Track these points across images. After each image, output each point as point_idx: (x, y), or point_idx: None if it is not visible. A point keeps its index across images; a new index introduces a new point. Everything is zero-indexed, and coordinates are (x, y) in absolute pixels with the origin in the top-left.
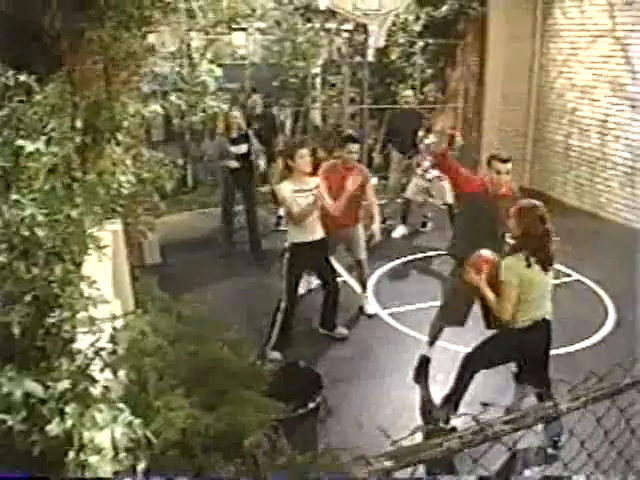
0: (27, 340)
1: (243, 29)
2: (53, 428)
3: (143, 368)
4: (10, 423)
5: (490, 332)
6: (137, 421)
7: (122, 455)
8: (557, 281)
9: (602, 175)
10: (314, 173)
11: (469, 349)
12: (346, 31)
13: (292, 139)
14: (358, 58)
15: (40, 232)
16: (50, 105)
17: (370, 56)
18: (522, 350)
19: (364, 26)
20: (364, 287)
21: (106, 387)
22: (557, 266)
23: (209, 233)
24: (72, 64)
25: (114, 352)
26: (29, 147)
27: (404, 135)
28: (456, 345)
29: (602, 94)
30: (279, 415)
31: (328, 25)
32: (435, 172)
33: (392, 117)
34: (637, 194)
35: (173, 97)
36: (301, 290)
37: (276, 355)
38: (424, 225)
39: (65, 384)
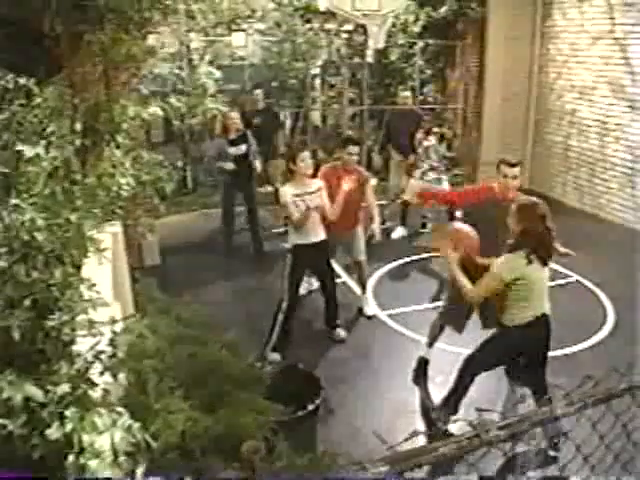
0: (27, 343)
1: (243, 30)
2: (53, 432)
3: (143, 370)
4: (10, 428)
5: (487, 332)
6: (136, 425)
7: (122, 459)
8: (556, 282)
9: (602, 176)
10: (314, 174)
11: (468, 350)
12: (346, 32)
13: (292, 141)
14: (357, 59)
15: (40, 236)
16: (50, 108)
17: (369, 57)
18: (523, 348)
19: (363, 27)
20: (364, 288)
21: (106, 390)
22: (557, 267)
23: (209, 234)
24: (72, 67)
25: (114, 355)
26: (29, 152)
27: (403, 136)
28: (455, 347)
29: (601, 95)
30: (278, 417)
31: (328, 26)
32: (433, 174)
33: (391, 118)
34: (637, 195)
35: (173, 99)
36: (301, 291)
37: (275, 357)
38: (423, 226)
39: (65, 388)
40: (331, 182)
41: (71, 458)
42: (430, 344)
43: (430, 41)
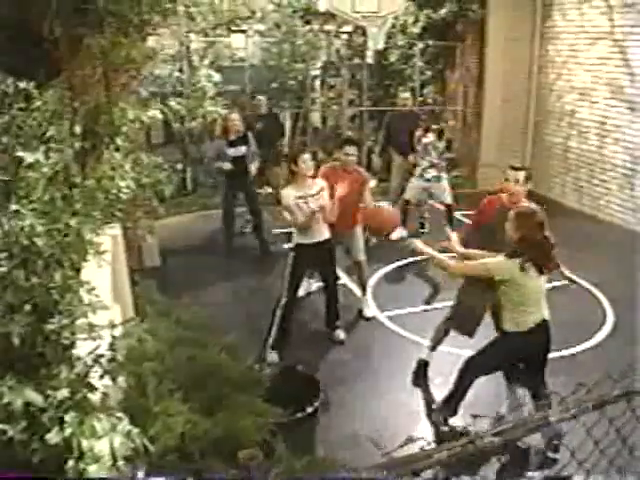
0: (27, 347)
1: (242, 31)
2: (53, 437)
3: (142, 373)
4: (11, 433)
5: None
6: (135, 430)
7: (121, 463)
8: (555, 283)
9: (601, 177)
10: (314, 175)
11: (467, 352)
12: (345, 33)
13: (293, 142)
14: (357, 60)
15: (39, 241)
16: (49, 111)
17: (369, 58)
18: (524, 353)
19: (363, 28)
20: (364, 289)
21: (105, 394)
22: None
23: (209, 235)
24: (71, 70)
25: (113, 359)
26: (29, 158)
27: (404, 137)
28: (455, 348)
29: (601, 96)
30: (277, 420)
31: (327, 27)
32: (433, 172)
33: (391, 119)
34: (636, 196)
35: (172, 102)
36: (300, 292)
37: (273, 357)
38: (422, 226)
39: (64, 392)
40: (330, 183)
41: (71, 463)
42: (433, 348)
43: (430, 42)
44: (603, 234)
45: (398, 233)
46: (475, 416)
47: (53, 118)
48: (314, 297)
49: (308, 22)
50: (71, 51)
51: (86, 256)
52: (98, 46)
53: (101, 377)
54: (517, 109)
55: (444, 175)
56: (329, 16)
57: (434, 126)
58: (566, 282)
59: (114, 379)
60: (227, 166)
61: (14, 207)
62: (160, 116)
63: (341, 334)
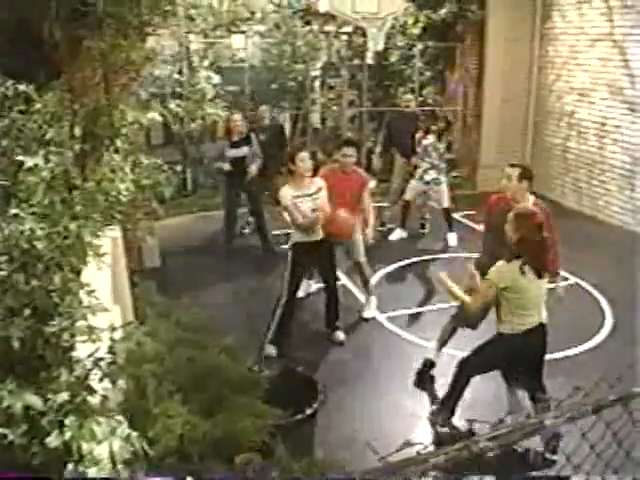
0: (27, 350)
1: (242, 32)
2: (52, 440)
3: (142, 375)
4: (11, 437)
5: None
6: (135, 434)
7: (120, 467)
8: (555, 285)
9: (600, 178)
10: (313, 176)
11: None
12: (345, 34)
13: (292, 142)
14: (357, 61)
15: (39, 245)
16: (49, 113)
17: (369, 59)
18: (518, 355)
19: (363, 29)
20: (367, 290)
21: (105, 397)
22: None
23: (209, 236)
24: (71, 72)
25: (113, 362)
26: (28, 162)
27: (405, 139)
28: (458, 351)
29: (600, 97)
30: (276, 421)
31: (327, 28)
32: (433, 174)
33: (392, 121)
34: (635, 197)
35: (172, 104)
36: (300, 293)
37: (272, 351)
38: (422, 227)
39: (64, 396)
40: (330, 184)
41: (70, 466)
42: (440, 347)
43: (429, 43)
44: (602, 235)
45: (398, 234)
46: (471, 421)
47: (53, 120)
48: (314, 298)
49: (308, 23)
50: (71, 53)
51: (86, 259)
52: (98, 48)
53: (100, 380)
54: (517, 110)
55: (443, 178)
56: (329, 17)
57: (433, 127)
58: (564, 283)
59: (114, 382)
60: (226, 167)
61: (14, 211)
62: (159, 118)
63: (341, 335)
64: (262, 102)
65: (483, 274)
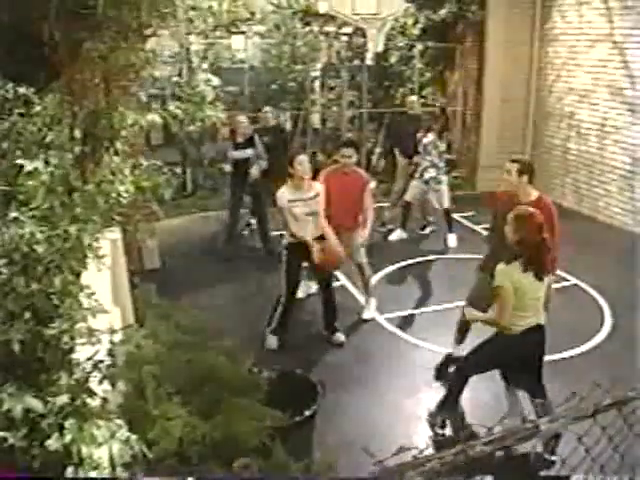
0: (27, 352)
1: (242, 33)
2: (52, 443)
3: (141, 377)
4: (11, 441)
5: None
6: (134, 437)
7: (119, 470)
8: (554, 286)
9: (600, 179)
10: (314, 177)
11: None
12: (345, 35)
13: (292, 144)
14: (357, 61)
15: (39, 248)
16: (49, 116)
17: (369, 59)
18: (515, 356)
19: (363, 30)
20: (366, 291)
21: (104, 399)
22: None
23: (209, 237)
24: (71, 74)
25: (112, 365)
26: (28, 166)
27: (407, 139)
28: (451, 349)
29: (600, 98)
30: (275, 423)
31: (327, 29)
32: (433, 172)
33: (395, 122)
34: (635, 198)
35: (171, 107)
36: (300, 294)
37: (273, 342)
38: (423, 228)
39: (64, 399)
40: (330, 185)
41: (70, 469)
42: (460, 341)
43: (429, 44)
44: (602, 236)
45: (397, 235)
46: (466, 425)
47: (53, 123)
48: (314, 299)
49: (308, 24)
50: (70, 55)
51: (86, 261)
52: (97, 50)
53: (100, 382)
54: (517, 110)
55: (443, 177)
56: (329, 18)
57: (434, 126)
58: (563, 284)
59: (113, 384)
60: (227, 168)
61: (14, 214)
62: (159, 120)
63: (341, 337)
64: (262, 103)
65: (491, 275)
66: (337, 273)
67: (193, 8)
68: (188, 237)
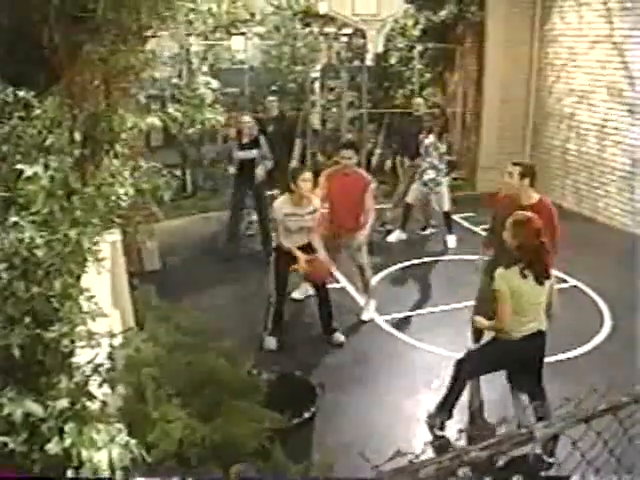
0: (27, 356)
1: (242, 34)
2: (52, 447)
3: (141, 379)
4: (12, 446)
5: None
6: (133, 441)
7: (118, 473)
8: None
9: (600, 180)
10: (314, 178)
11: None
12: (345, 36)
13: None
14: (357, 62)
15: (39, 252)
16: (49, 119)
17: (369, 60)
18: (515, 360)
19: (362, 31)
20: (366, 292)
21: (104, 402)
22: (555, 272)
23: (209, 238)
24: (71, 76)
25: (112, 368)
26: (28, 171)
27: (412, 141)
28: (453, 353)
29: (600, 99)
30: (275, 425)
31: (327, 30)
32: (432, 173)
33: (399, 123)
34: (635, 199)
35: (171, 109)
36: (299, 295)
37: (272, 343)
38: (424, 229)
39: (64, 402)
40: (331, 186)
41: (70, 473)
42: (477, 340)
43: (429, 45)
44: (602, 237)
45: (397, 236)
46: (461, 430)
47: (53, 126)
48: (314, 300)
49: (308, 25)
50: (70, 58)
51: (85, 264)
52: (97, 53)
53: (100, 385)
54: (516, 111)
55: (442, 179)
56: (329, 19)
57: (435, 127)
58: (563, 285)
59: (113, 388)
60: (232, 170)
61: (14, 219)
62: (159, 123)
63: (340, 337)
64: (261, 103)
65: (491, 278)
66: (337, 274)
67: (193, 10)
68: (188, 238)
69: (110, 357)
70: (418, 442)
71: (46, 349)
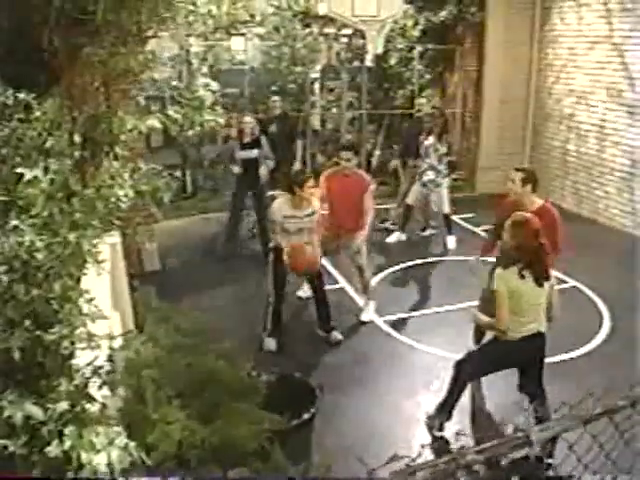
0: (27, 358)
1: (242, 34)
2: (52, 450)
3: (141, 380)
4: (12, 449)
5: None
6: (133, 444)
7: (118, 475)
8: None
9: (600, 181)
10: (314, 179)
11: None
12: (345, 36)
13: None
14: (357, 63)
15: (39, 255)
16: (49, 121)
17: (369, 61)
18: (515, 361)
19: (362, 31)
20: (366, 293)
21: (104, 404)
22: (555, 272)
23: (209, 238)
24: (70, 78)
25: (112, 371)
26: (28, 175)
27: (415, 141)
28: (452, 353)
29: (600, 100)
30: (274, 426)
31: (327, 30)
32: (431, 175)
33: (400, 125)
34: (635, 200)
35: (171, 111)
36: (302, 294)
37: (272, 344)
38: (423, 230)
39: (64, 405)
40: (331, 187)
41: (70, 475)
42: (478, 341)
43: (429, 45)
44: (601, 237)
45: (396, 237)
46: (458, 434)
47: (52, 128)
48: (313, 301)
49: (308, 25)
50: (70, 60)
51: (85, 267)
52: (97, 55)
53: (100, 388)
54: (516, 112)
55: (441, 181)
56: (328, 19)
57: (435, 128)
58: (562, 286)
59: (112, 390)
60: (236, 169)
61: (14, 222)
62: (159, 125)
63: (337, 335)
64: (261, 104)
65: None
66: (336, 275)
67: (192, 12)
68: (188, 239)
69: (110, 359)
70: (418, 443)
71: (46, 351)
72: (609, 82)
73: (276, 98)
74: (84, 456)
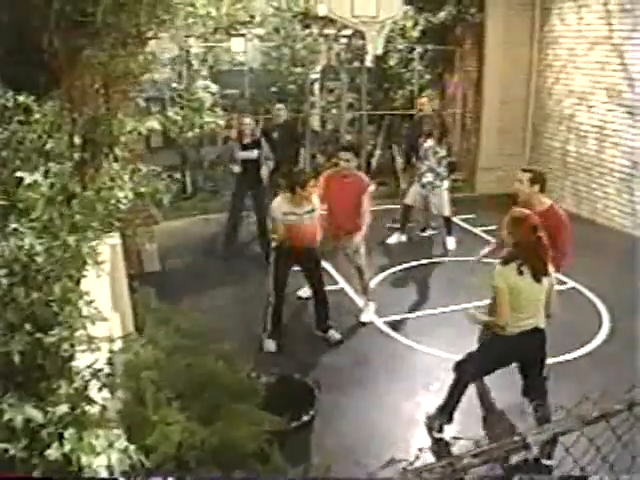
0: (27, 361)
1: (242, 35)
2: (52, 453)
3: (141, 382)
4: (12, 452)
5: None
6: (132, 446)
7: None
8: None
9: (599, 181)
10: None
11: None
12: (344, 37)
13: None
14: (357, 64)
15: (39, 259)
16: (49, 123)
17: (369, 62)
18: (514, 356)
19: (362, 32)
20: (365, 294)
21: (104, 407)
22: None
23: (209, 239)
24: (70, 81)
25: (112, 373)
26: (28, 178)
27: (413, 143)
28: (451, 354)
29: (599, 100)
30: (274, 428)
31: (326, 31)
32: (430, 177)
33: (400, 126)
34: (634, 201)
35: (170, 113)
36: (302, 293)
37: (272, 346)
38: (423, 230)
39: (64, 408)
40: (330, 188)
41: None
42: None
43: (429, 46)
44: (601, 238)
45: (396, 238)
46: (455, 438)
47: (52, 130)
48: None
49: (307, 26)
50: (70, 62)
51: (85, 268)
52: (97, 57)
53: (99, 390)
54: (516, 113)
55: (440, 183)
56: (328, 20)
57: (435, 132)
58: (562, 287)
59: (112, 392)
60: (236, 169)
61: (13, 226)
62: (158, 127)
63: (335, 335)
64: (261, 105)
65: None
66: (336, 275)
67: (191, 14)
68: (188, 239)
69: (109, 362)
70: (417, 444)
71: (46, 354)
72: (609, 83)
73: (280, 106)
74: (84, 459)
